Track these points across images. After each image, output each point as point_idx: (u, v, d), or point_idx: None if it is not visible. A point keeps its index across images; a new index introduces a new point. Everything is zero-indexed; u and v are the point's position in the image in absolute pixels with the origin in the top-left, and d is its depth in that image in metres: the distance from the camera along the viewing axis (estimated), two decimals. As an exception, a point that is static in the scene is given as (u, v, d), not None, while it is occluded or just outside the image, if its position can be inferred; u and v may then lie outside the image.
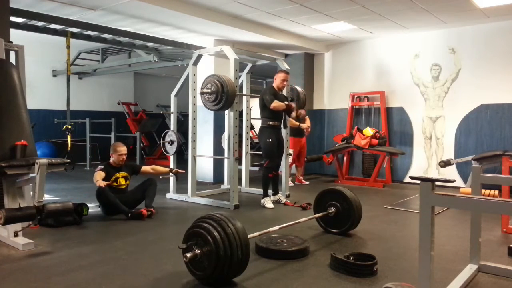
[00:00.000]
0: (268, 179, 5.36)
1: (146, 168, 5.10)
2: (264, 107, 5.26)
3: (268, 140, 5.24)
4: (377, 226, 4.30)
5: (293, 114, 5.74)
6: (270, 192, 5.45)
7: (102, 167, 4.82)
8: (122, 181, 4.83)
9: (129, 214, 4.52)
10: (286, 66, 5.99)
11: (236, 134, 5.19)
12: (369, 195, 6.07)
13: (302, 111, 6.62)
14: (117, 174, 4.82)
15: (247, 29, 6.48)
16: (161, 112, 8.10)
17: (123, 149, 4.85)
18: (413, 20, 6.40)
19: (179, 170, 5.09)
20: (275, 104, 5.12)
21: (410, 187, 6.83)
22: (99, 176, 4.61)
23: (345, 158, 7.89)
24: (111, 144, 5.50)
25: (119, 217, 4.61)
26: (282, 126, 5.43)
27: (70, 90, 6.99)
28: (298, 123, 6.73)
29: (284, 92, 5.57)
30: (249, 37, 6.91)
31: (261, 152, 5.59)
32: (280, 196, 5.53)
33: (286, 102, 5.17)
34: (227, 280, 2.63)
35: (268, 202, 5.29)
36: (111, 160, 4.86)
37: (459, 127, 6.88)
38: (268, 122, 5.26)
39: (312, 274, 2.89)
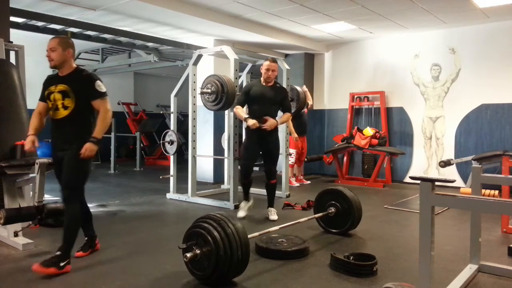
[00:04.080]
0: (243, 184, 4.64)
1: (97, 104, 2.95)
2: None
3: (244, 140, 4.66)
4: (377, 226, 4.30)
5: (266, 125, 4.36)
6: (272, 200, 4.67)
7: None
8: (58, 100, 2.93)
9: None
10: (286, 66, 5.99)
11: (236, 134, 5.18)
12: (369, 195, 6.07)
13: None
14: (52, 88, 2.99)
15: (247, 29, 6.48)
16: (161, 112, 8.11)
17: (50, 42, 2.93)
18: (413, 20, 6.40)
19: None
20: (235, 110, 4.52)
21: (410, 187, 6.83)
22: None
23: (345, 158, 7.88)
24: None
25: (119, 216, 4.61)
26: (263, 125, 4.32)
27: (70, 90, 6.97)
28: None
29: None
30: (249, 37, 6.90)
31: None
32: (245, 205, 4.63)
33: (246, 118, 4.28)
34: (227, 280, 2.62)
35: (240, 210, 4.64)
36: None
37: (459, 127, 6.88)
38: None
39: (312, 274, 2.89)
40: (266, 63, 4.42)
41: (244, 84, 6.44)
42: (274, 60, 4.45)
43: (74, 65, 3.05)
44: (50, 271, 2.75)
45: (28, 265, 3.00)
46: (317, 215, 3.93)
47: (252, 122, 4.24)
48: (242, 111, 4.40)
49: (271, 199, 4.65)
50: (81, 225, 3.04)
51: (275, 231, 3.40)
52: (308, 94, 7.14)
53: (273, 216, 4.50)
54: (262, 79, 4.47)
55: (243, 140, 4.61)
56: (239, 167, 4.69)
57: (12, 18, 5.03)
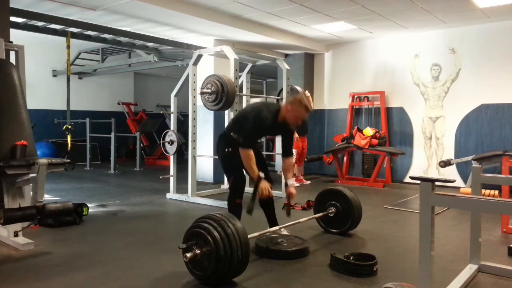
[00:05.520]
0: (234, 206, 3.54)
1: None
2: (237, 121, 3.60)
3: (226, 150, 3.54)
4: (377, 226, 4.30)
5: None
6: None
7: None
8: None
9: None
10: (286, 66, 5.99)
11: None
12: (369, 195, 6.07)
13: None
14: None
15: (247, 29, 6.48)
16: (161, 112, 8.11)
17: None
18: (413, 20, 6.40)
19: None
20: (247, 156, 3.33)
21: (410, 187, 6.83)
22: None
23: (345, 158, 7.88)
24: None
25: (119, 216, 4.61)
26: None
27: (70, 90, 6.99)
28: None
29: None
30: (249, 37, 6.90)
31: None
32: (284, 231, 3.67)
33: (261, 177, 3.35)
34: (227, 280, 2.62)
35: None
36: None
37: (459, 127, 6.88)
38: (231, 134, 3.56)
39: (312, 274, 2.89)
40: (303, 111, 3.34)
41: (244, 84, 6.45)
42: (310, 110, 3.41)
43: None
44: None
45: (28, 265, 3.00)
46: (317, 215, 3.92)
47: (266, 188, 3.34)
48: (254, 163, 3.34)
49: (274, 215, 3.69)
50: None
51: (275, 231, 3.40)
52: (310, 99, 7.12)
53: (285, 231, 3.71)
54: (282, 117, 3.42)
55: (222, 151, 3.61)
56: (230, 180, 3.64)
57: (12, 18, 5.03)
